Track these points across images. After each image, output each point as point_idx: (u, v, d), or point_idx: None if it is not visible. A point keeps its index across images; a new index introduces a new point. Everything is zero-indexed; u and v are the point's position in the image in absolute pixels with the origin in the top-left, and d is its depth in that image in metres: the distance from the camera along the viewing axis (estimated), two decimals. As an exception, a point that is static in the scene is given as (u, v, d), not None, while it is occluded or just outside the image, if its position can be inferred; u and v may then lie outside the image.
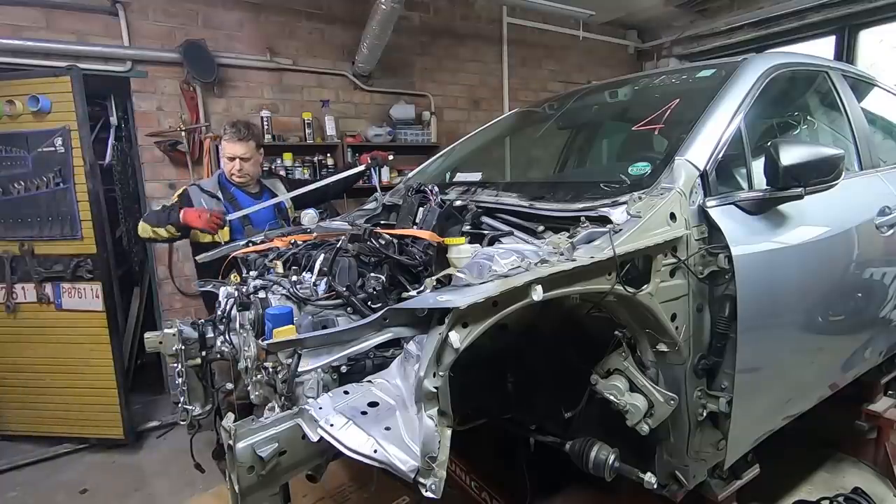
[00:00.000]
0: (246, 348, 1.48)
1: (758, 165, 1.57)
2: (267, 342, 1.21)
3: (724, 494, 1.66)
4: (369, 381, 1.10)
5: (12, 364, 3.07)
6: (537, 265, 1.12)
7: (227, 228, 2.49)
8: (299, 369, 1.08)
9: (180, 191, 2.62)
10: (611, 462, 1.38)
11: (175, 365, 1.74)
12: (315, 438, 0.99)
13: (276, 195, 2.75)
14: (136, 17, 3.33)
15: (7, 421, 3.15)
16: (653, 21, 5.49)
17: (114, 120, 3.89)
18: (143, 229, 2.49)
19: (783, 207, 1.57)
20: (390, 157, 3.01)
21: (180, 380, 1.75)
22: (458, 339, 0.99)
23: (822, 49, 4.62)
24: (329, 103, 4.05)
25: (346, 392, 1.06)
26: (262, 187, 2.76)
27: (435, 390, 0.98)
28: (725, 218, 1.44)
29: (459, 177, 2.15)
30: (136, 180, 3.78)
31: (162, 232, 2.45)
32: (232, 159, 2.59)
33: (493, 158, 2.74)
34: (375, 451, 0.92)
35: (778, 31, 4.73)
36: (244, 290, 1.60)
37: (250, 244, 2.08)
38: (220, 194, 2.61)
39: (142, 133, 3.43)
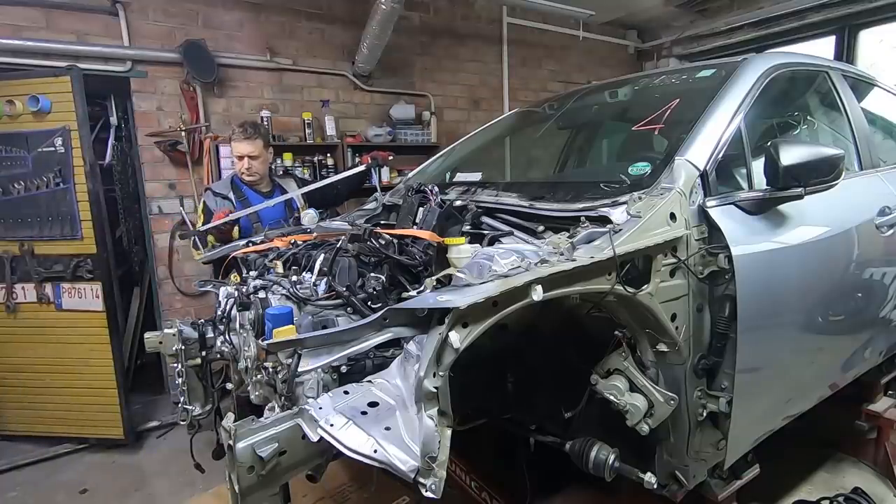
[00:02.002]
0: (246, 348, 1.48)
1: (758, 165, 1.57)
2: (267, 342, 1.21)
3: (724, 494, 1.66)
4: (369, 381, 1.10)
5: (12, 364, 3.07)
6: (537, 265, 1.12)
7: (236, 228, 2.54)
8: (299, 369, 1.08)
9: (201, 205, 2.74)
10: (611, 462, 1.38)
11: (175, 365, 1.74)
12: (315, 438, 0.99)
13: (290, 197, 2.78)
14: (136, 17, 3.33)
15: (7, 421, 3.15)
16: (653, 21, 5.49)
17: (114, 120, 3.89)
18: (197, 255, 2.57)
19: (783, 207, 1.57)
20: (390, 158, 3.03)
21: (180, 380, 1.76)
22: (458, 339, 0.99)
23: (822, 49, 4.62)
24: (329, 103, 4.05)
25: (346, 392, 1.06)
26: (274, 186, 2.81)
27: (435, 390, 0.98)
28: (725, 218, 1.44)
29: (459, 177, 2.15)
30: (136, 180, 3.78)
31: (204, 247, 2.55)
32: (241, 158, 2.66)
33: (493, 158, 2.74)
34: (375, 451, 0.92)
35: (778, 31, 4.73)
36: (244, 290, 1.60)
37: (250, 244, 2.09)
38: (231, 195, 2.67)
39: (142, 133, 3.42)
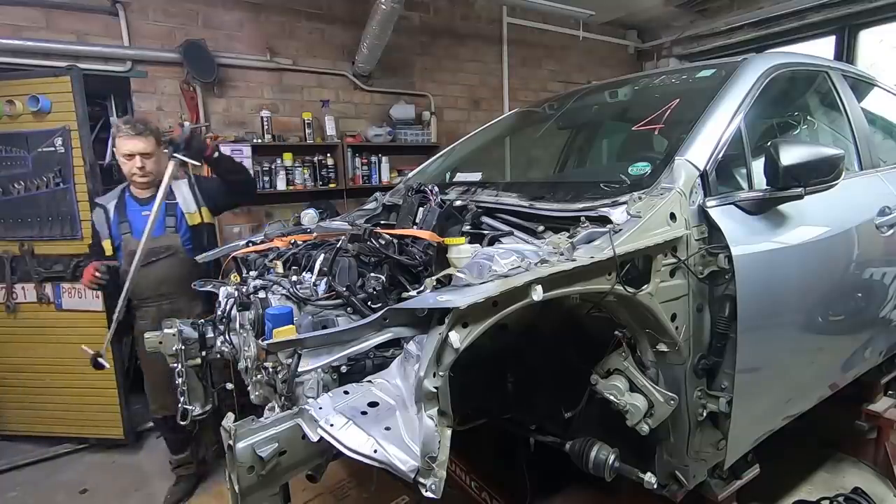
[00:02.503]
0: (246, 348, 1.49)
1: (758, 165, 1.57)
2: (267, 342, 1.21)
3: (724, 494, 1.66)
4: (369, 381, 1.10)
5: (12, 364, 3.07)
6: (537, 265, 1.12)
7: (108, 241, 2.38)
8: (299, 369, 1.08)
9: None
10: (611, 462, 1.38)
11: (175, 365, 1.74)
12: (315, 438, 0.99)
13: (175, 200, 2.44)
14: (136, 17, 3.34)
15: (7, 421, 3.15)
16: (653, 21, 5.49)
17: (114, 120, 3.89)
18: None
19: (783, 207, 1.57)
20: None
21: (180, 380, 1.76)
22: (458, 339, 0.99)
23: (822, 49, 4.62)
24: (329, 103, 4.05)
25: (346, 392, 1.06)
26: (154, 193, 2.29)
27: (435, 390, 0.98)
28: (725, 218, 1.44)
29: (459, 177, 2.15)
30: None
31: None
32: (131, 157, 2.32)
33: (493, 158, 2.74)
34: (375, 451, 0.92)
35: (778, 31, 4.73)
36: (244, 290, 1.60)
37: (250, 244, 2.09)
38: (111, 205, 2.42)
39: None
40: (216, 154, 2.39)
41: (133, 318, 2.47)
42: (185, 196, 2.46)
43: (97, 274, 2.27)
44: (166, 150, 2.24)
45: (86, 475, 2.85)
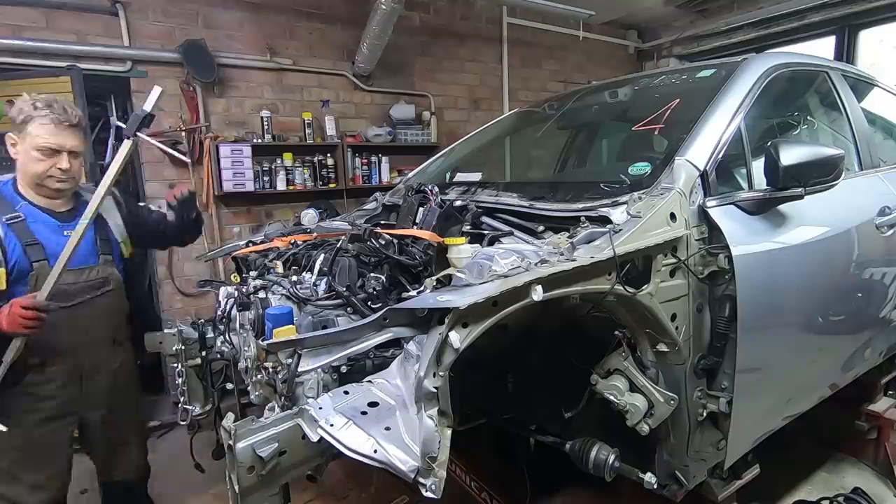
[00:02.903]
0: (246, 348, 1.49)
1: (758, 165, 1.57)
2: (267, 342, 1.21)
3: (724, 494, 1.66)
4: (369, 381, 1.10)
5: (12, 364, 3.06)
6: (537, 265, 1.12)
7: (2, 272, 1.58)
8: (299, 369, 1.08)
9: None
10: (611, 462, 1.38)
11: (175, 365, 1.74)
12: (315, 438, 0.99)
13: (105, 219, 1.81)
14: (136, 17, 3.33)
15: (7, 421, 3.15)
16: (653, 21, 5.50)
17: (114, 120, 3.89)
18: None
19: (783, 207, 1.57)
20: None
21: (180, 380, 1.76)
22: (458, 339, 0.99)
23: (822, 49, 4.63)
24: (329, 103, 4.05)
25: (346, 392, 1.07)
26: (78, 203, 1.76)
27: (435, 390, 0.98)
28: (725, 218, 1.44)
29: (459, 177, 2.16)
30: (137, 180, 3.78)
31: None
32: (54, 153, 1.64)
33: (493, 158, 2.74)
34: (375, 451, 0.93)
35: (778, 31, 4.74)
36: (244, 290, 1.60)
37: (250, 244, 2.09)
38: None
39: (142, 133, 3.42)
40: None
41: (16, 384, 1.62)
42: (115, 220, 1.86)
43: (41, 316, 1.49)
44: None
45: (86, 476, 2.84)
